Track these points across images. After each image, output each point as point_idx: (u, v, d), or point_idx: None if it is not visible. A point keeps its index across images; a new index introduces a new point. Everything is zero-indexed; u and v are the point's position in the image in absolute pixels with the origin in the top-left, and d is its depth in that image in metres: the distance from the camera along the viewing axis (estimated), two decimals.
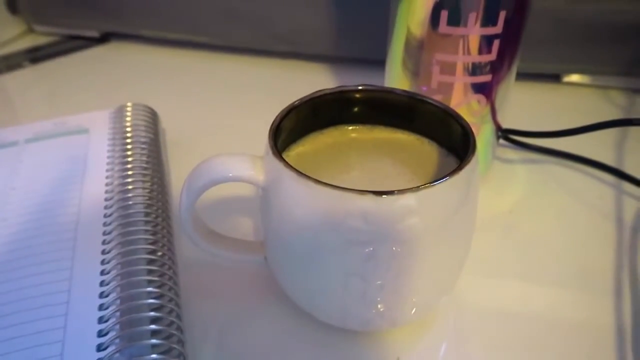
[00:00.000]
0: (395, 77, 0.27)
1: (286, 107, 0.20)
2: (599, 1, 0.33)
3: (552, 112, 0.35)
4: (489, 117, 0.27)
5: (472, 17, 0.23)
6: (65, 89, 0.39)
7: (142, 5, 0.40)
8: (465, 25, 0.23)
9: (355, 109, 0.23)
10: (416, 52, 0.25)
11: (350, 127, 0.23)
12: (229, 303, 0.23)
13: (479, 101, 0.26)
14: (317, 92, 0.22)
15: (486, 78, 0.25)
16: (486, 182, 0.29)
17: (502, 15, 0.23)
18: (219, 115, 0.35)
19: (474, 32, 0.23)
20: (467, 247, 0.20)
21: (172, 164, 0.30)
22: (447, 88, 0.25)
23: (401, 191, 0.17)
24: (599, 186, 0.29)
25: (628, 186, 0.29)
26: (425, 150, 0.22)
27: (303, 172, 0.18)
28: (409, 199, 0.17)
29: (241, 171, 0.19)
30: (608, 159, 0.31)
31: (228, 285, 0.23)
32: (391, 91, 0.22)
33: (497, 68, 0.25)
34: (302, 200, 0.18)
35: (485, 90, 0.25)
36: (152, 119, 0.30)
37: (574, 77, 0.37)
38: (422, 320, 0.22)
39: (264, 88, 0.38)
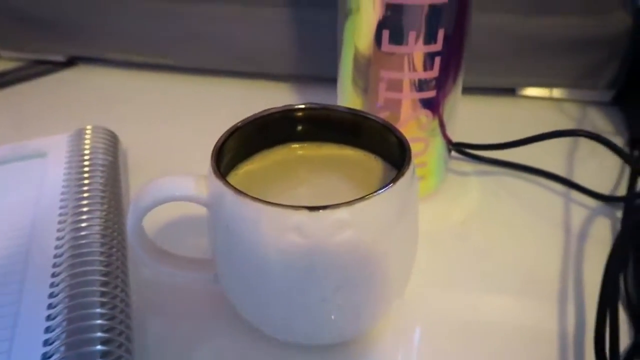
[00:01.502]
0: (347, 94, 0.28)
1: (230, 128, 0.21)
2: (546, 17, 0.34)
3: (507, 125, 0.36)
4: (438, 130, 0.27)
5: (412, 35, 0.24)
6: (30, 114, 0.39)
7: (106, 28, 0.41)
8: (407, 43, 0.24)
9: (303, 127, 0.23)
10: (364, 69, 0.26)
11: (299, 145, 0.24)
12: (182, 321, 0.23)
13: (426, 116, 0.26)
14: (263, 111, 0.22)
15: (431, 94, 0.26)
16: (440, 194, 0.30)
17: (441, 33, 0.24)
18: (183, 137, 0.36)
19: (415, 49, 0.24)
20: (410, 258, 0.21)
21: (134, 186, 0.31)
22: (395, 104, 0.26)
23: (335, 205, 0.17)
24: (549, 196, 0.30)
25: (576, 195, 0.30)
26: (371, 166, 0.23)
27: (243, 190, 0.18)
28: (342, 213, 0.17)
29: (184, 191, 0.19)
30: (558, 169, 0.32)
31: (182, 303, 0.24)
32: (335, 109, 0.23)
33: (441, 83, 0.26)
34: (242, 217, 0.18)
35: (432, 105, 0.26)
36: (112, 142, 0.31)
37: (528, 91, 0.39)
38: (372, 333, 0.22)
39: (228, 108, 0.38)
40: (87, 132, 0.31)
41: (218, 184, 0.19)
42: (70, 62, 0.45)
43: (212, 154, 0.20)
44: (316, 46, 0.37)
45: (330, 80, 0.36)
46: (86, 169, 0.28)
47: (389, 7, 0.23)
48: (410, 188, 0.19)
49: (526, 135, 0.29)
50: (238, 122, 0.21)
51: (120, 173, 0.30)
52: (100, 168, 0.28)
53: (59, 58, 0.45)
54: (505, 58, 0.36)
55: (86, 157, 0.29)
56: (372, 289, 0.19)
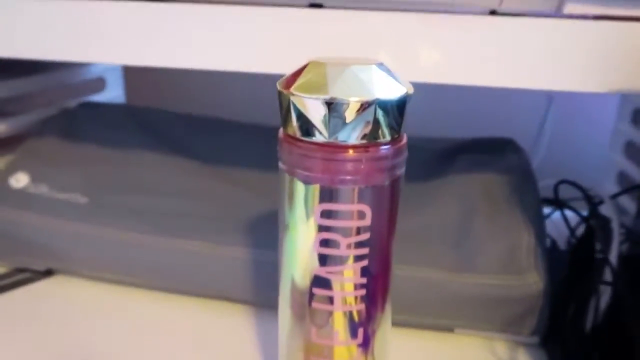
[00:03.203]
0: (285, 320, 0.30)
1: None
2: (467, 274, 0.39)
3: None
4: None
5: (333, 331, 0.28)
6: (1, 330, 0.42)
7: (81, 250, 0.45)
8: (332, 337, 0.28)
9: None
10: (299, 300, 0.28)
11: None
12: None
13: None
14: None
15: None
16: None
17: (361, 330, 0.28)
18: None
19: (339, 343, 0.28)
20: None
21: None
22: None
23: None
24: None
25: None
26: None
27: None
28: None
29: None
30: None
31: None
32: None
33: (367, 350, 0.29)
34: None
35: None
36: None
37: (464, 330, 0.42)
38: None
39: (194, 329, 0.42)
40: None
41: None
42: (49, 272, 0.49)
43: None
44: (272, 282, 0.42)
45: None
46: None
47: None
48: None
49: None
50: None
51: None
52: None
53: (39, 268, 0.49)
54: (435, 305, 0.40)
55: None
56: None
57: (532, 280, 0.39)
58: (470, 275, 0.39)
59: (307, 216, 0.25)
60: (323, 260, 0.26)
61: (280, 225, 0.28)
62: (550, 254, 0.42)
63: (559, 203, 0.44)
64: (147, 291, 0.47)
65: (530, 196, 0.44)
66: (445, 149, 0.49)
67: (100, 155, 0.51)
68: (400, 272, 0.40)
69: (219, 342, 0.41)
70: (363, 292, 0.27)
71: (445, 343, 0.42)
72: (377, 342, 0.30)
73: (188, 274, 0.44)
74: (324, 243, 0.26)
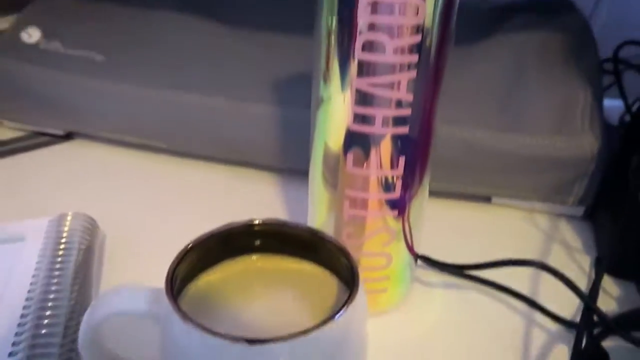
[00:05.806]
0: (316, 188, 0.28)
1: (187, 245, 0.22)
2: (516, 135, 0.36)
3: (480, 232, 0.37)
4: (403, 246, 0.28)
5: (374, 160, 0.25)
6: (23, 188, 0.40)
7: (101, 109, 0.43)
8: (369, 167, 0.25)
9: (264, 241, 0.24)
10: (333, 166, 0.26)
11: (259, 256, 0.25)
12: None
13: (390, 232, 0.27)
14: (225, 225, 0.23)
15: (395, 213, 0.27)
16: (403, 305, 0.30)
17: (402, 159, 0.25)
18: (164, 221, 0.37)
19: (376, 173, 0.25)
20: None
21: (108, 274, 0.31)
22: (360, 220, 0.27)
23: (272, 340, 0.18)
24: (511, 315, 0.30)
25: (539, 316, 0.30)
26: (328, 283, 0.24)
27: (196, 305, 0.19)
28: (280, 348, 0.18)
29: (138, 306, 0.20)
30: (524, 287, 0.32)
31: None
32: (294, 227, 0.24)
33: (404, 203, 0.27)
34: (186, 341, 0.19)
35: (397, 218, 0.27)
36: (90, 230, 0.32)
37: (503, 200, 0.40)
38: None
39: (216, 194, 0.40)
40: (68, 217, 0.32)
41: (168, 304, 0.19)
42: (68, 136, 0.47)
43: (168, 273, 0.20)
44: (297, 142, 0.39)
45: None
46: (59, 259, 0.28)
47: (350, 134, 0.25)
48: (354, 318, 0.20)
49: (496, 245, 0.30)
50: (198, 237, 0.22)
51: (94, 262, 0.31)
52: (73, 258, 0.29)
53: (58, 132, 0.47)
54: (477, 169, 0.37)
55: (61, 246, 0.29)
56: None
57: (586, 142, 0.35)
58: (518, 135, 0.36)
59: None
60: (362, 69, 0.23)
61: (314, 88, 0.26)
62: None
63: (619, 62, 0.39)
64: (170, 156, 0.45)
65: (588, 56, 0.39)
66: (498, 9, 0.44)
67: (116, 12, 0.48)
68: (442, 132, 0.37)
69: (244, 209, 0.39)
70: (402, 156, 0.24)
71: (483, 214, 0.40)
72: (413, 212, 0.27)
73: (211, 132, 0.41)
74: (367, 46, 0.22)
